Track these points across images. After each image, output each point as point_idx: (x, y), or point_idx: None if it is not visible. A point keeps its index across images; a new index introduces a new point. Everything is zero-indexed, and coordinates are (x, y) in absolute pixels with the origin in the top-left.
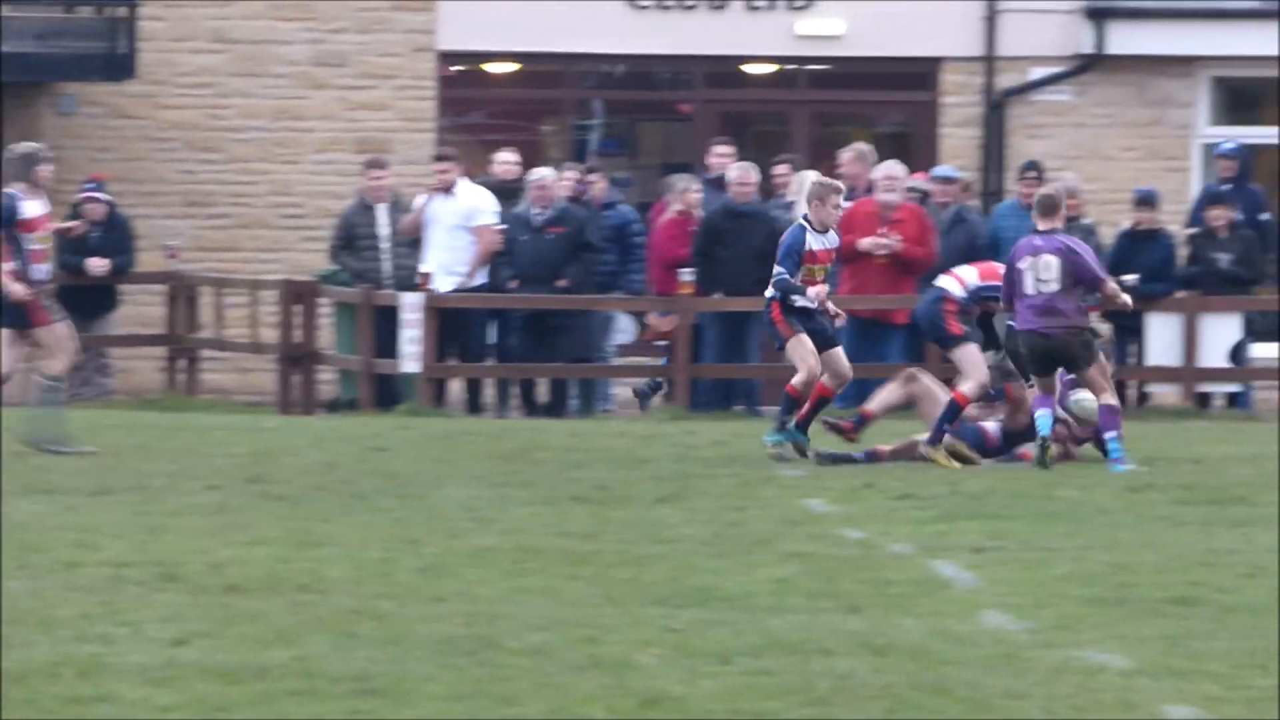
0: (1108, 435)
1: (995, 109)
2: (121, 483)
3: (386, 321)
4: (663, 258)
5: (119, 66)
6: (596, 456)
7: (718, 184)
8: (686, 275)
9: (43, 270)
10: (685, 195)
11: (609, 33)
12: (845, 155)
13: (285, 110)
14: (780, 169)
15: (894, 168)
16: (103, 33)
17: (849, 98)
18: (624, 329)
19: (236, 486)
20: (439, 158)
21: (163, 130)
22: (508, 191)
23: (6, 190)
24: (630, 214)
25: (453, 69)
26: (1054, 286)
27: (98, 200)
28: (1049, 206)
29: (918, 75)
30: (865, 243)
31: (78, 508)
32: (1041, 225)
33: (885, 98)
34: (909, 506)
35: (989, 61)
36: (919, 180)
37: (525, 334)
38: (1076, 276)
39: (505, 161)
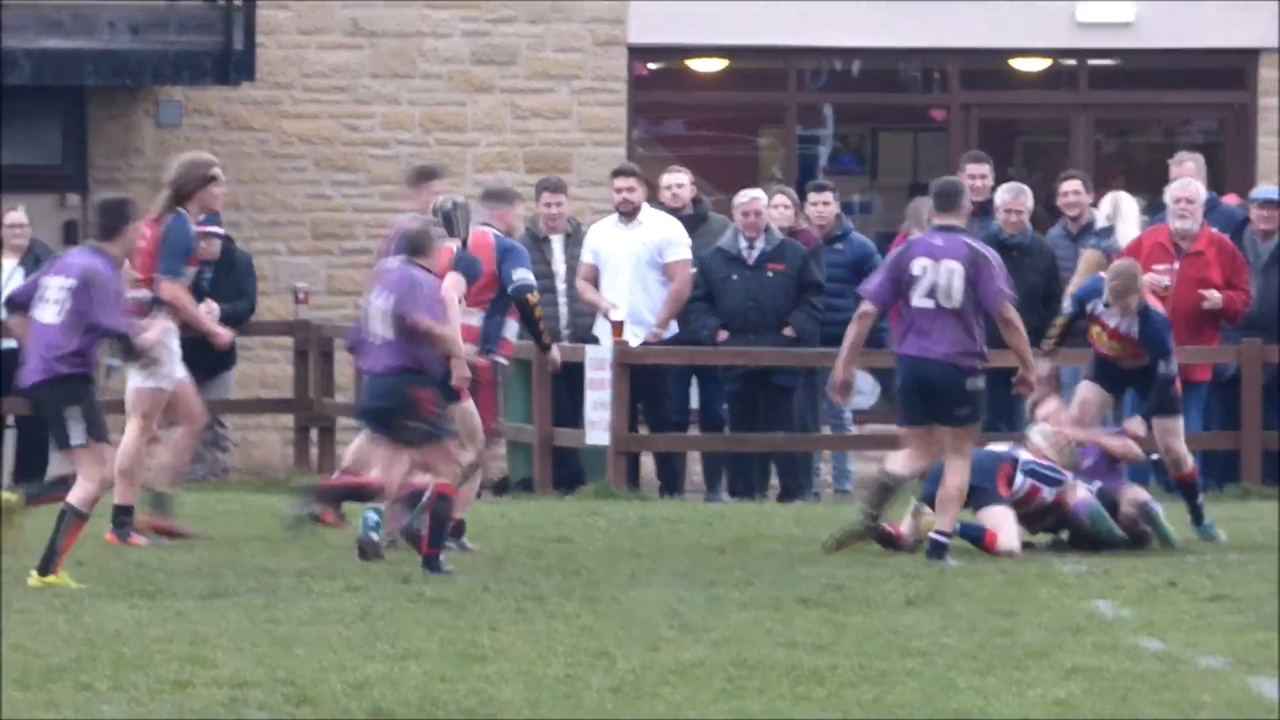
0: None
1: None
2: (241, 583)
3: (566, 382)
4: None
5: (234, 66)
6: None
7: (979, 209)
8: None
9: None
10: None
11: (842, 22)
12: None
13: (439, 119)
14: (1069, 187)
15: (1188, 187)
16: (214, 25)
17: (1141, 100)
18: (864, 390)
19: (383, 587)
20: (619, 173)
21: (288, 145)
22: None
23: (178, 211)
24: (867, 246)
25: (648, 67)
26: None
27: (210, 234)
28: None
29: (1228, 71)
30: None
31: (187, 613)
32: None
33: (1187, 99)
34: (1222, 610)
35: None
36: (1230, 203)
37: (739, 397)
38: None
39: (673, 185)
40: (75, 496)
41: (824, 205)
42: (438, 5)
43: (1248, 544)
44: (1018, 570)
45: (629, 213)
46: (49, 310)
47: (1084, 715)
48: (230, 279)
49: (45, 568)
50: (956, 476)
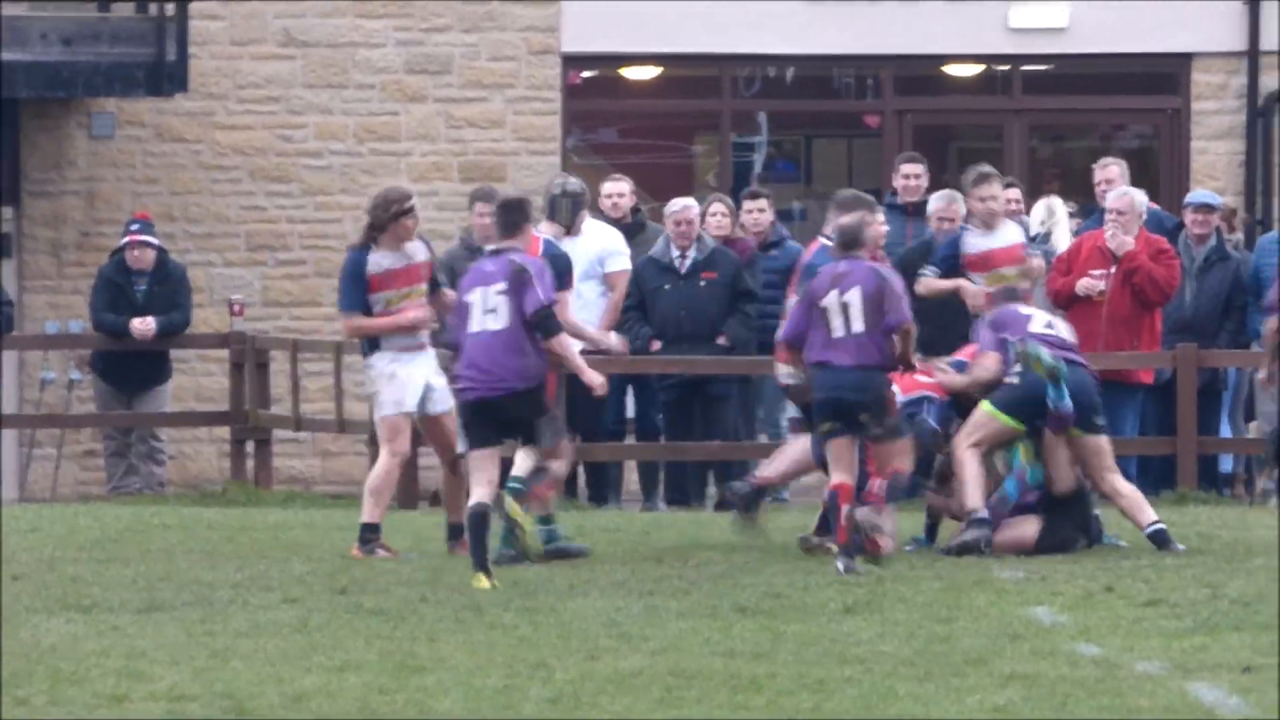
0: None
1: (1261, 116)
2: (177, 597)
3: None
4: None
5: (167, 77)
6: (768, 557)
7: (914, 209)
8: None
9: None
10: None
11: (775, 29)
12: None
13: (373, 129)
14: (1010, 194)
15: (1123, 199)
16: (147, 36)
17: (1075, 105)
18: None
19: (321, 599)
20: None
21: (222, 156)
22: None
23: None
24: (799, 252)
25: (582, 75)
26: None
27: (144, 244)
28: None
29: (1162, 76)
30: (1082, 284)
31: (123, 627)
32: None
33: (1121, 104)
34: (1159, 615)
35: (1253, 57)
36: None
37: (674, 406)
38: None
39: (614, 195)
40: None
41: (759, 212)
42: (371, 15)
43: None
44: (955, 577)
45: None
46: None
47: None
48: (165, 291)
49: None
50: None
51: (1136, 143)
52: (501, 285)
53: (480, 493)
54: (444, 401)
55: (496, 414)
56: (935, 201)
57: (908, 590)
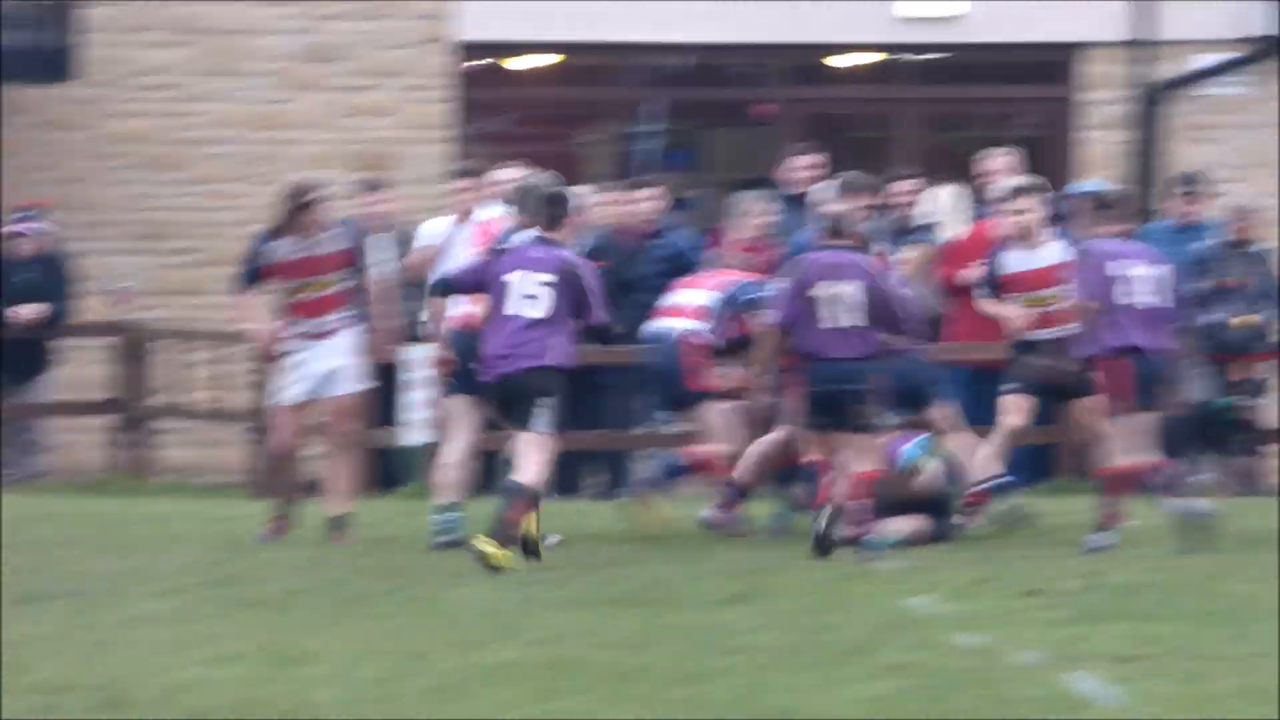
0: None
1: (1148, 106)
2: (56, 587)
3: (385, 382)
4: None
5: (55, 65)
6: (648, 549)
7: (802, 203)
8: None
9: None
10: (754, 219)
11: (669, 19)
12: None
13: (265, 118)
14: (911, 186)
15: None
16: (34, 22)
17: (964, 95)
18: None
19: (200, 590)
20: (462, 174)
21: (112, 144)
22: None
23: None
24: (683, 242)
25: (475, 63)
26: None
27: (19, 234)
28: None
29: (1051, 65)
30: (963, 275)
31: None
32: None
33: (1010, 94)
34: (1038, 605)
35: (1141, 47)
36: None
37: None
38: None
39: (509, 181)
40: None
41: (649, 201)
42: (263, 3)
43: (1062, 539)
44: (836, 567)
45: (467, 213)
46: None
47: (900, 712)
48: (50, 279)
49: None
50: None
51: (1025, 133)
52: (549, 277)
53: (460, 445)
54: (346, 384)
55: (513, 389)
56: (820, 192)
57: (787, 581)
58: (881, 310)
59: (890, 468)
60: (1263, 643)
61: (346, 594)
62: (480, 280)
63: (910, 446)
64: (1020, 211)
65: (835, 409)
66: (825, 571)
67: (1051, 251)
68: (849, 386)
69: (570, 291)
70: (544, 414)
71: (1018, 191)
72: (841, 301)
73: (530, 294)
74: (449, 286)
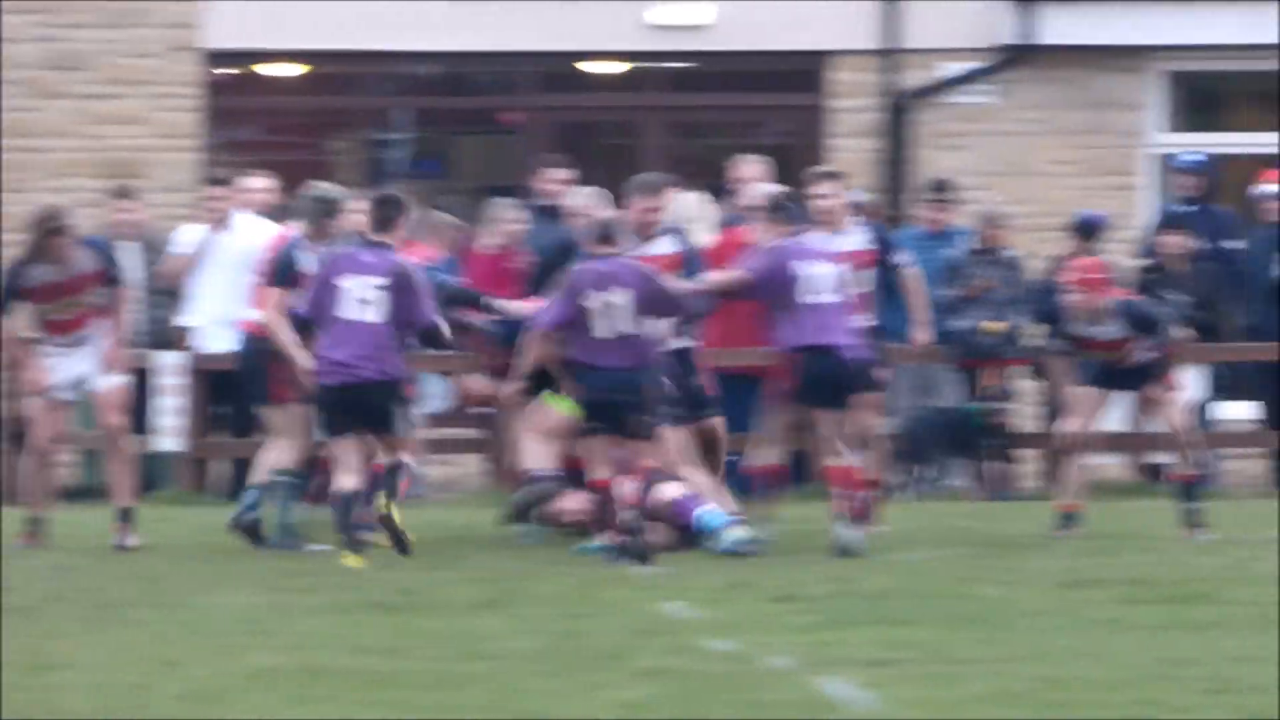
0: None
1: (896, 114)
2: None
3: (137, 387)
4: None
5: None
6: (399, 556)
7: (552, 212)
8: None
9: None
10: (503, 227)
11: (416, 27)
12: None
13: (12, 126)
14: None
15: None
16: None
17: (714, 102)
18: (435, 393)
19: None
20: (213, 182)
21: None
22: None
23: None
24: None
25: (222, 72)
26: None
27: None
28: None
29: (800, 74)
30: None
31: None
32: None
33: (759, 101)
34: (789, 610)
35: (889, 56)
36: None
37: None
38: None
39: (257, 189)
40: None
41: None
42: (9, 10)
43: (811, 546)
44: (588, 572)
45: (221, 220)
46: None
47: (653, 716)
48: None
49: None
50: None
51: (775, 140)
52: (382, 281)
53: (348, 480)
54: (104, 380)
55: (357, 401)
56: (579, 199)
57: (540, 587)
58: (661, 311)
59: (685, 523)
60: (1013, 646)
61: (99, 600)
62: (319, 300)
63: (708, 513)
64: (824, 197)
65: (611, 417)
66: (578, 577)
67: (854, 238)
68: (621, 397)
69: (402, 296)
70: (399, 420)
71: (821, 177)
72: (613, 310)
73: (364, 298)
74: (307, 324)
